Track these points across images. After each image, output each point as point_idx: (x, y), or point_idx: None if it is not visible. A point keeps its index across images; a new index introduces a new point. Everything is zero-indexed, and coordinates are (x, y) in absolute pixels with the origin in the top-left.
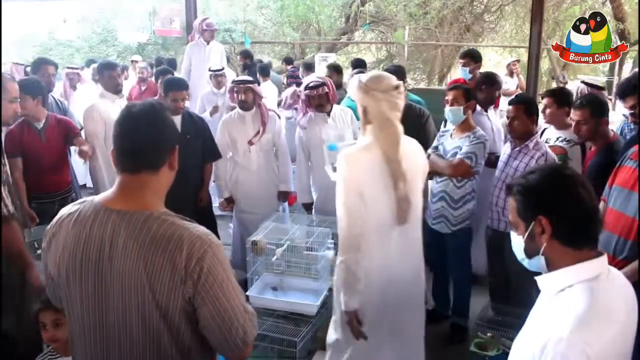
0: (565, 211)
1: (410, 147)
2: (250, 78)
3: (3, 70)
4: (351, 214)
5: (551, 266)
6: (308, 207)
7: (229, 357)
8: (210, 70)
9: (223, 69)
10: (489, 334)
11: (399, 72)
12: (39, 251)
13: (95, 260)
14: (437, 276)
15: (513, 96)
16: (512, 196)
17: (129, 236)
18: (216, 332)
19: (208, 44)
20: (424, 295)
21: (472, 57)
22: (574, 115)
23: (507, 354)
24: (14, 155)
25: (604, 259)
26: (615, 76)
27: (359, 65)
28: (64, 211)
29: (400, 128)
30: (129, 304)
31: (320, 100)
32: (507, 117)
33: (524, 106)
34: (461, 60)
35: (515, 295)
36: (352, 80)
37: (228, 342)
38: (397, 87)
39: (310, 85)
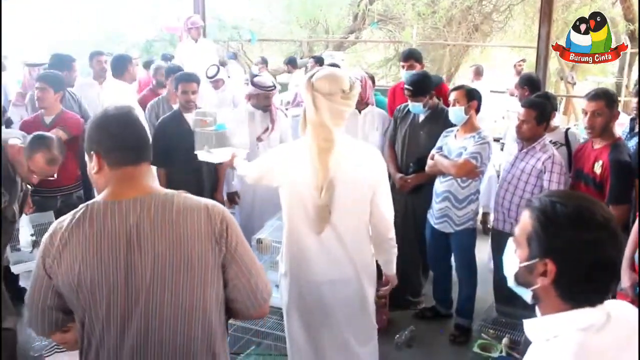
0: (580, 266)
1: (355, 156)
2: (272, 83)
3: (8, 73)
4: (254, 167)
5: (538, 303)
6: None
7: (251, 315)
8: (207, 77)
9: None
10: (490, 331)
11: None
12: (33, 237)
13: (124, 251)
14: (437, 276)
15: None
16: (529, 213)
17: (155, 216)
18: (242, 291)
19: (196, 42)
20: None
21: (416, 59)
22: (589, 106)
23: (510, 355)
24: None
25: (600, 308)
26: (624, 77)
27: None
28: (64, 223)
29: (336, 136)
30: (166, 285)
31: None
32: (518, 119)
33: (536, 112)
34: (404, 64)
35: (520, 297)
36: (307, 75)
37: (252, 299)
38: (344, 92)
39: None
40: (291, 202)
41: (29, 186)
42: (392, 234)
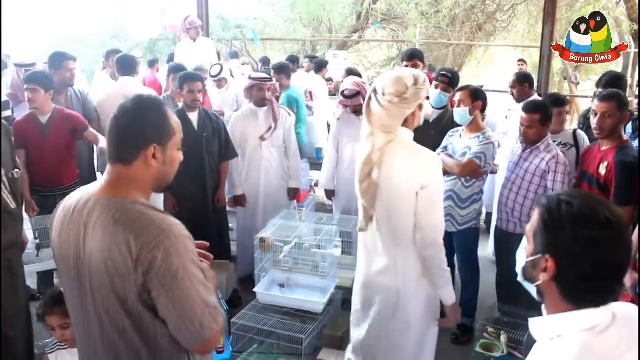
0: (580, 265)
1: (405, 161)
2: (267, 75)
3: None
4: None
5: (543, 300)
6: (330, 194)
7: (189, 349)
8: (211, 76)
9: (220, 73)
10: (493, 331)
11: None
12: (37, 240)
13: (74, 245)
14: None
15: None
16: (537, 210)
17: (98, 219)
18: (172, 324)
19: (195, 41)
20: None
21: (419, 59)
22: (599, 107)
23: (512, 355)
24: (18, 146)
25: (605, 309)
26: (628, 77)
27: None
28: (60, 204)
29: (378, 138)
30: (97, 286)
31: (355, 108)
32: (522, 124)
33: (540, 116)
34: (408, 63)
35: (522, 297)
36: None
37: (184, 334)
38: (399, 95)
39: (345, 93)
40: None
41: (16, 170)
42: (434, 251)
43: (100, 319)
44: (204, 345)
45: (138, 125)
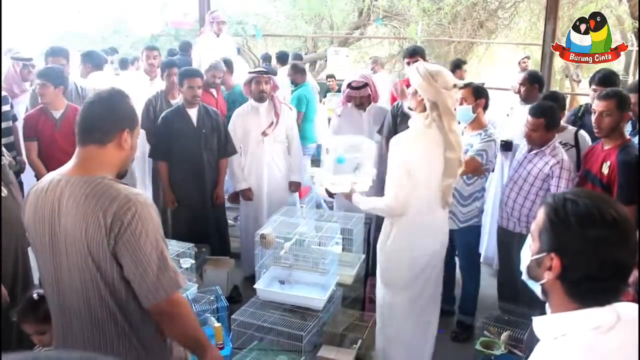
0: (586, 264)
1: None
2: (266, 69)
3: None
4: (400, 188)
5: (547, 298)
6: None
7: (148, 308)
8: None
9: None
10: (493, 329)
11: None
12: None
13: (49, 222)
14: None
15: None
16: (543, 208)
17: (70, 195)
18: (134, 283)
19: (218, 36)
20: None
21: (422, 56)
22: (598, 106)
23: (511, 353)
24: (30, 138)
25: (610, 308)
26: (630, 75)
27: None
28: (31, 188)
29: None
30: (73, 258)
31: (361, 100)
32: (526, 127)
33: (545, 120)
34: (410, 60)
35: (523, 295)
36: (416, 71)
37: (144, 292)
38: (455, 85)
39: (352, 85)
40: (419, 185)
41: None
42: None
43: (75, 289)
44: (159, 305)
45: (116, 111)
